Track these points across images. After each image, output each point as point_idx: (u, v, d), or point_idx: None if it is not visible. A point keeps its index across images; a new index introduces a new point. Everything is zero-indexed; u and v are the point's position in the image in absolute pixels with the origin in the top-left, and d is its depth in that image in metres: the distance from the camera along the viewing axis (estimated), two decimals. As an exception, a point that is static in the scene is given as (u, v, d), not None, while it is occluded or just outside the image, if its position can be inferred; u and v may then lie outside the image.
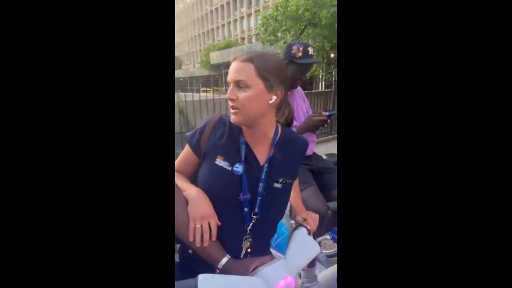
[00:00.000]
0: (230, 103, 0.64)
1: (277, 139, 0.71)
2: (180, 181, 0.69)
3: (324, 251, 1.74)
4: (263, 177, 0.68)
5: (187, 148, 0.73)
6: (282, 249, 0.78)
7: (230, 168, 0.66)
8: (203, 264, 0.62)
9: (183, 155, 0.74)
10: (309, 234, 0.75)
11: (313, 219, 0.80)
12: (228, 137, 0.69)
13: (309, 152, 1.36)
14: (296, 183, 0.85)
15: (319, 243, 1.16)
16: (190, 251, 0.72)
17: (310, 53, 1.24)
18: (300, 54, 1.22)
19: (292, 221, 0.82)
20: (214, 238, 0.63)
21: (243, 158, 0.67)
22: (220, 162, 0.67)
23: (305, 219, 0.79)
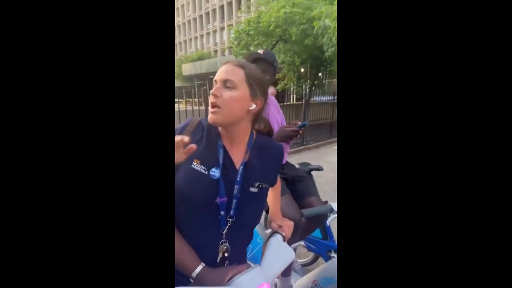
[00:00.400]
0: (212, 100, 0.65)
1: (252, 144, 0.73)
2: None
3: (299, 261, 1.75)
4: (238, 179, 0.69)
5: None
6: (257, 260, 0.77)
7: (206, 172, 0.67)
8: (177, 274, 0.60)
9: None
10: (284, 241, 0.76)
11: (288, 226, 0.81)
12: (206, 140, 0.70)
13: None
14: (277, 189, 0.86)
15: (294, 250, 1.17)
16: None
17: (271, 54, 1.40)
18: (262, 51, 1.38)
19: (267, 231, 0.82)
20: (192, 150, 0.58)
21: (221, 162, 0.68)
22: (196, 166, 0.67)
23: (280, 226, 0.80)
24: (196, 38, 31.33)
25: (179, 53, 32.98)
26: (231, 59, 0.69)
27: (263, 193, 0.74)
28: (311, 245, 1.55)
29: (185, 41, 33.14)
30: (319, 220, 1.33)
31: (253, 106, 0.68)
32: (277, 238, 0.74)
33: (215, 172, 0.67)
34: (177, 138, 0.59)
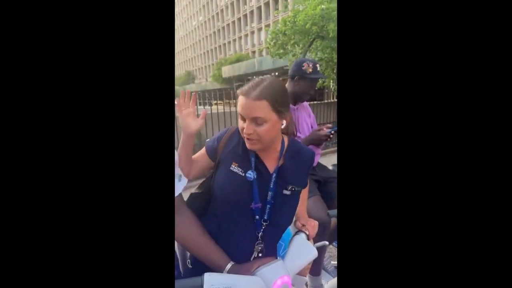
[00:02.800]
0: (246, 136, 0.68)
1: (284, 150, 0.77)
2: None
3: (332, 262, 1.74)
4: (271, 185, 0.73)
5: (203, 151, 0.80)
6: None
7: (243, 174, 0.72)
8: (213, 269, 0.66)
9: (198, 154, 0.81)
10: (308, 239, 0.80)
11: (312, 226, 0.85)
12: (242, 147, 0.75)
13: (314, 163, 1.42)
14: (304, 191, 0.89)
15: (321, 249, 1.19)
16: (189, 264, 0.77)
17: (318, 69, 1.36)
18: (310, 70, 1.32)
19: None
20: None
21: (253, 166, 0.73)
22: (235, 168, 0.73)
23: (303, 225, 0.84)
24: (234, 40, 32.19)
25: (218, 56, 34.24)
26: (245, 90, 0.68)
27: (295, 196, 0.78)
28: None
29: (224, 44, 34.28)
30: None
31: (284, 123, 0.72)
32: (301, 236, 0.79)
33: (251, 174, 0.72)
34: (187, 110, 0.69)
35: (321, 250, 1.23)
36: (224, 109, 4.42)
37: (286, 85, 1.46)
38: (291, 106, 1.39)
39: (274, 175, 0.73)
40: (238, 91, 0.69)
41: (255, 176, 0.72)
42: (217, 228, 0.73)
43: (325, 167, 1.52)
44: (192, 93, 0.74)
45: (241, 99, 0.68)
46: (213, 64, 33.94)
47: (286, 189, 0.75)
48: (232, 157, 0.75)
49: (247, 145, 0.71)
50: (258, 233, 0.72)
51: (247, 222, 0.72)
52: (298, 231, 0.82)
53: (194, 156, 0.79)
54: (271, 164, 0.75)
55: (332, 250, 2.00)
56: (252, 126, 0.67)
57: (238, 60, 24.03)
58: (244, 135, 0.69)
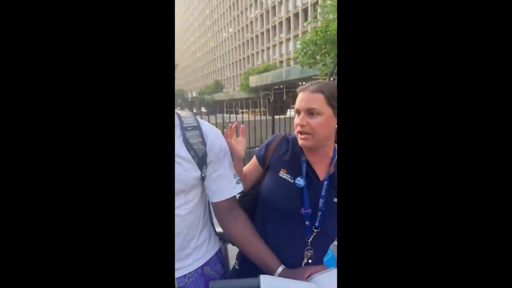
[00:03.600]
0: (299, 129, 0.70)
1: (336, 158, 0.75)
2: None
3: None
4: (323, 193, 0.71)
5: (254, 159, 0.82)
6: (331, 264, 0.83)
7: (292, 181, 0.72)
8: (261, 271, 0.66)
9: (250, 165, 0.82)
10: None
11: None
12: (291, 154, 0.76)
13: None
14: None
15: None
16: (236, 265, 0.81)
17: None
18: None
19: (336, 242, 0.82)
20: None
21: (304, 173, 0.72)
22: (283, 174, 0.73)
23: None
24: (263, 50, 32.76)
25: (246, 66, 35.01)
26: (304, 86, 0.72)
27: None
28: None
29: (252, 54, 35.03)
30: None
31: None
32: None
33: (301, 181, 0.71)
34: (228, 130, 0.71)
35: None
36: (249, 117, 4.39)
37: None
38: None
39: (325, 182, 0.72)
40: (298, 90, 0.74)
41: (305, 183, 0.71)
42: (264, 233, 0.74)
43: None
44: (241, 126, 0.78)
45: (299, 95, 0.71)
46: (241, 74, 34.74)
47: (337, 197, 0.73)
48: (281, 164, 0.75)
49: (299, 141, 0.71)
50: (308, 239, 0.71)
51: (296, 228, 0.72)
52: None
53: (245, 168, 0.81)
54: (322, 172, 0.74)
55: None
56: (306, 118, 0.68)
57: (266, 70, 24.35)
58: (297, 130, 0.71)
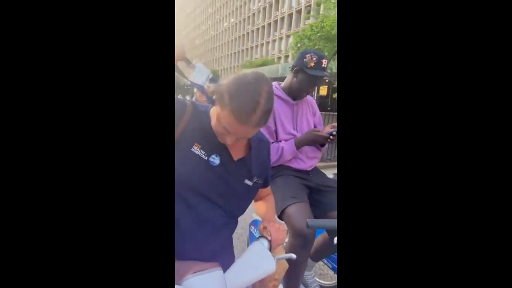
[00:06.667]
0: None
1: (251, 139, 0.73)
2: None
3: (319, 281, 1.54)
4: (235, 172, 0.69)
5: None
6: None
7: (206, 158, 0.66)
8: None
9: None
10: (270, 247, 0.64)
11: (276, 228, 0.69)
12: (206, 127, 0.68)
13: (306, 166, 1.25)
14: (269, 192, 0.86)
15: (300, 265, 1.02)
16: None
17: (323, 65, 1.12)
18: (312, 64, 1.10)
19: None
20: None
21: (217, 151, 0.68)
22: (196, 150, 0.66)
23: (265, 227, 0.69)
24: (262, 44, 32.41)
25: (244, 59, 34.63)
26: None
27: (256, 188, 0.75)
28: (336, 266, 1.33)
29: (251, 47, 34.63)
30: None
31: None
32: (261, 243, 0.63)
33: (215, 159, 0.66)
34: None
35: (300, 266, 1.05)
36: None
37: (287, 76, 1.30)
38: (289, 100, 1.23)
39: (238, 162, 0.70)
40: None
41: (219, 162, 0.67)
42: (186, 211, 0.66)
43: (322, 173, 1.34)
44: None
45: None
46: (238, 66, 34.35)
47: (249, 179, 0.71)
48: (194, 138, 0.67)
49: (221, 139, 0.65)
50: (215, 219, 0.68)
51: (208, 209, 0.67)
52: (260, 236, 0.67)
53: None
54: (236, 152, 0.71)
55: (323, 268, 1.79)
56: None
57: (263, 64, 24.13)
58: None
